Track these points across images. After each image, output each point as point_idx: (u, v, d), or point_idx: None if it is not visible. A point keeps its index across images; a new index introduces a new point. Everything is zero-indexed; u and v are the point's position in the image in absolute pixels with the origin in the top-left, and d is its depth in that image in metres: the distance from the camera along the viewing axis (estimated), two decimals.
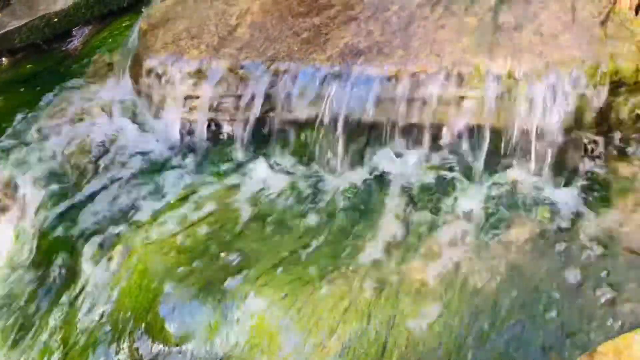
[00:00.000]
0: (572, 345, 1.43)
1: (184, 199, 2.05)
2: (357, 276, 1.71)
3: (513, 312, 1.54)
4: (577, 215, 1.76)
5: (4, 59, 3.03)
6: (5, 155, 2.39)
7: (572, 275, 1.59)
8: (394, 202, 1.93)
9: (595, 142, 1.82)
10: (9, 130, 2.53)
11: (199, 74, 2.17)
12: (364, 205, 1.93)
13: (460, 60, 1.95)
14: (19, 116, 2.60)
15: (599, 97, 1.74)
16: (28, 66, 2.99)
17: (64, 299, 1.99)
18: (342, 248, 1.80)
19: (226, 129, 2.17)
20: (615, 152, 1.86)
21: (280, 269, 1.77)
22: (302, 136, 2.08)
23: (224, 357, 1.68)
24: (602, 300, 1.51)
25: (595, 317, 1.46)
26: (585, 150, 1.86)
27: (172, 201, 2.04)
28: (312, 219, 1.92)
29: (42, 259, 2.13)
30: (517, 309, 1.54)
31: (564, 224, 1.71)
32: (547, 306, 1.53)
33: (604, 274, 1.58)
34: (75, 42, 2.96)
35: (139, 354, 1.79)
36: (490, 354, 1.48)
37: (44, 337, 1.97)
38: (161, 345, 1.75)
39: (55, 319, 1.98)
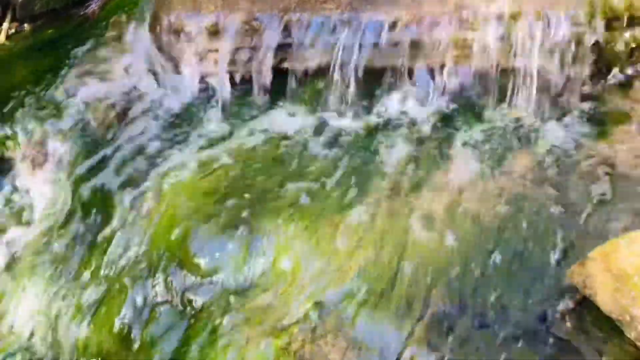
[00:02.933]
0: (571, 257, 1.58)
1: (207, 146, 2.21)
2: (371, 208, 1.87)
3: (516, 232, 1.69)
4: (574, 147, 1.90)
5: (25, 25, 3.17)
6: (36, 114, 2.56)
7: (570, 197, 1.73)
8: (402, 141, 2.07)
9: (592, 77, 1.94)
10: (37, 91, 2.70)
11: (216, 28, 2.30)
12: (375, 145, 2.08)
13: (462, 4, 2.06)
14: (45, 78, 2.76)
15: (595, 33, 1.85)
16: (49, 31, 3.14)
17: (101, 242, 2.19)
18: (355, 184, 1.95)
19: (243, 80, 2.32)
20: (611, 87, 1.98)
21: (300, 205, 1.93)
22: (316, 83, 2.22)
23: (251, 285, 1.87)
24: (597, 216, 1.66)
25: (591, 232, 1.61)
26: (583, 85, 1.99)
27: (196, 149, 2.21)
28: (326, 160, 2.07)
29: (78, 207, 2.32)
30: (519, 230, 1.69)
31: (562, 154, 1.85)
32: (547, 226, 1.68)
33: (598, 194, 1.72)
34: (94, 6, 3.09)
35: (173, 287, 1.98)
36: (495, 271, 1.64)
37: (85, 277, 2.16)
38: (193, 278, 1.95)
39: (94, 260, 2.17)
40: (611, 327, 1.48)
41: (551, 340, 1.52)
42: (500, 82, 2.03)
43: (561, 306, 1.55)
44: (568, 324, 1.52)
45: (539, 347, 1.52)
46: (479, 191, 1.84)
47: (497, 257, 1.68)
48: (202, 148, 2.21)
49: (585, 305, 1.53)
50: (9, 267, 2.40)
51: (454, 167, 1.93)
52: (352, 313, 1.68)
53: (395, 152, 2.04)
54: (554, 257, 1.63)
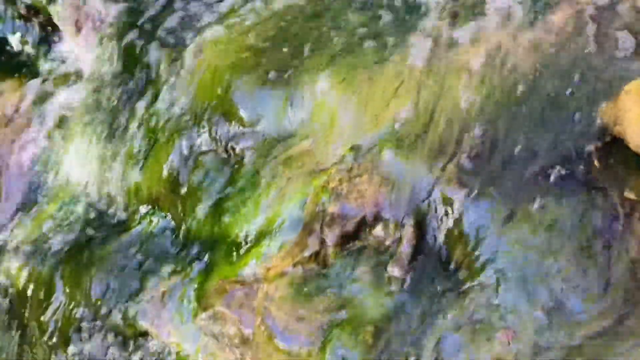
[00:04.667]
0: (603, 101, 1.63)
1: (245, 4, 2.25)
2: (407, 61, 1.93)
3: (551, 81, 1.74)
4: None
5: None
6: None
7: (609, 48, 1.75)
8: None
9: None
10: None
11: None
12: (412, 3, 2.09)
13: None
14: None
15: None
16: None
17: (147, 97, 2.31)
18: (392, 39, 2.00)
19: None
20: None
21: (338, 58, 1.99)
22: None
23: (291, 133, 1.98)
24: (637, 66, 1.68)
25: (628, 80, 1.64)
26: None
27: (235, 6, 2.25)
28: (363, 16, 2.10)
29: (124, 66, 2.43)
30: (555, 78, 1.73)
31: (605, 5, 1.84)
32: (583, 74, 1.72)
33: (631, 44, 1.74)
34: None
35: (217, 137, 2.11)
36: (527, 116, 1.70)
37: (133, 130, 2.31)
38: (236, 128, 2.07)
39: (140, 115, 2.31)
40: (638, 166, 1.55)
41: (577, 178, 1.61)
42: None
43: (589, 146, 1.62)
44: (595, 163, 1.61)
45: (564, 184, 1.61)
46: (516, 43, 1.86)
47: (529, 103, 1.74)
48: (240, 5, 2.26)
49: (614, 146, 1.61)
50: (61, 124, 2.57)
51: (494, 20, 1.95)
52: (387, 155, 1.78)
53: (431, 9, 2.05)
54: (587, 102, 1.69)
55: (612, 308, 1.44)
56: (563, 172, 1.62)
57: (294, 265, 1.78)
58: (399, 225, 1.72)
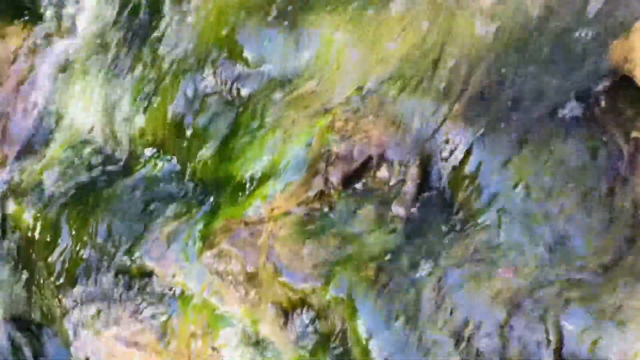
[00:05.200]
0: (612, 37, 1.61)
1: None
2: (416, 2, 1.90)
3: (560, 22, 1.71)
4: None
5: None
6: None
7: None
8: None
9: None
10: None
11: None
12: None
13: None
14: None
15: None
16: None
17: (152, 40, 2.30)
18: None
19: None
20: None
21: None
22: None
23: (296, 75, 1.97)
24: None
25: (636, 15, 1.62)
26: None
27: None
28: None
29: (127, 8, 2.40)
30: (564, 20, 1.71)
31: None
32: (593, 16, 1.69)
33: None
34: None
35: (222, 78, 2.10)
36: (535, 57, 1.69)
37: (137, 72, 2.30)
38: (241, 69, 2.06)
39: (145, 56, 2.30)
40: None
41: (584, 119, 1.61)
42: None
43: (597, 87, 1.61)
44: (602, 104, 1.60)
45: (571, 125, 1.61)
46: None
47: (539, 43, 1.72)
48: None
49: (621, 87, 1.59)
50: (65, 68, 2.56)
51: None
52: (393, 95, 1.78)
53: None
54: (597, 42, 1.67)
55: (613, 245, 1.46)
56: (570, 112, 1.62)
57: (299, 204, 1.80)
58: (404, 166, 1.73)
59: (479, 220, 1.58)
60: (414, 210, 1.65)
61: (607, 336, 1.37)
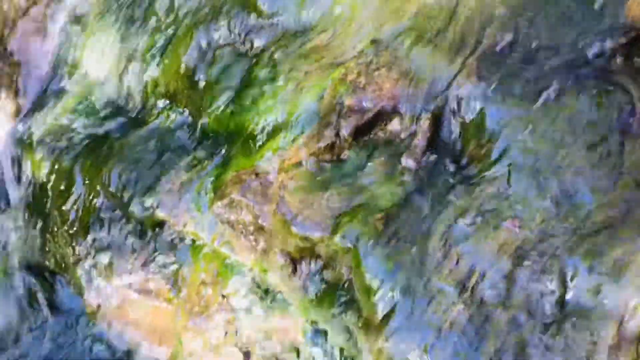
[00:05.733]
0: None
1: None
2: None
3: None
4: None
5: None
6: None
7: None
8: None
9: None
10: None
11: None
12: None
13: None
14: None
15: None
16: None
17: None
18: None
19: None
20: None
21: None
22: None
23: (310, 27, 1.98)
24: None
25: None
26: None
27: None
28: None
29: None
30: None
31: None
32: None
33: None
34: None
35: (235, 30, 2.11)
36: (550, 10, 1.68)
37: (151, 24, 2.31)
38: (255, 20, 2.06)
39: (159, 8, 2.30)
40: None
41: (597, 75, 1.61)
42: None
43: (612, 43, 1.61)
44: (617, 60, 1.60)
45: (584, 80, 1.61)
46: None
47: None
48: None
49: (638, 44, 1.59)
50: (79, 19, 2.57)
51: None
52: (406, 49, 1.78)
53: None
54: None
55: (620, 199, 1.48)
56: (584, 68, 1.62)
57: (310, 156, 1.82)
58: (415, 119, 1.75)
59: (488, 174, 1.60)
60: (423, 162, 1.68)
61: (610, 288, 1.39)
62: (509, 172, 1.57)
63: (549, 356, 1.39)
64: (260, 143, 1.97)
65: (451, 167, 1.67)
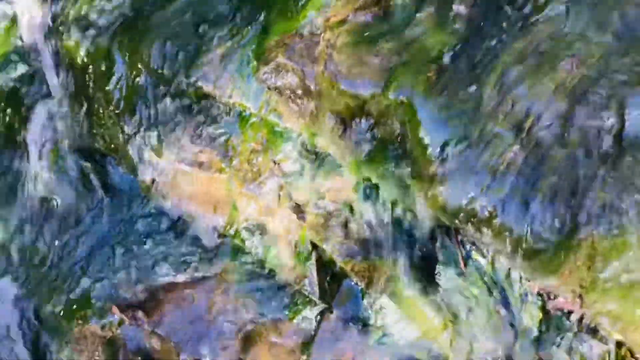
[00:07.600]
0: None
1: None
2: None
3: None
4: None
5: None
6: None
7: None
8: None
9: None
10: None
11: None
12: None
13: None
14: None
15: None
16: None
17: None
18: None
19: None
20: None
21: None
22: None
23: None
24: None
25: None
26: None
27: None
28: None
29: None
30: None
31: None
32: None
33: None
34: None
35: None
36: None
37: None
38: None
39: None
40: None
41: None
42: None
43: None
44: None
45: None
46: None
47: None
48: None
49: None
50: None
51: None
52: None
53: None
54: None
55: None
56: None
57: (355, 11, 1.79)
58: None
59: (544, 13, 1.56)
60: (476, 7, 1.64)
61: None
62: (567, 9, 1.54)
63: (607, 190, 1.43)
64: (302, 3, 1.94)
65: (504, 10, 1.63)
